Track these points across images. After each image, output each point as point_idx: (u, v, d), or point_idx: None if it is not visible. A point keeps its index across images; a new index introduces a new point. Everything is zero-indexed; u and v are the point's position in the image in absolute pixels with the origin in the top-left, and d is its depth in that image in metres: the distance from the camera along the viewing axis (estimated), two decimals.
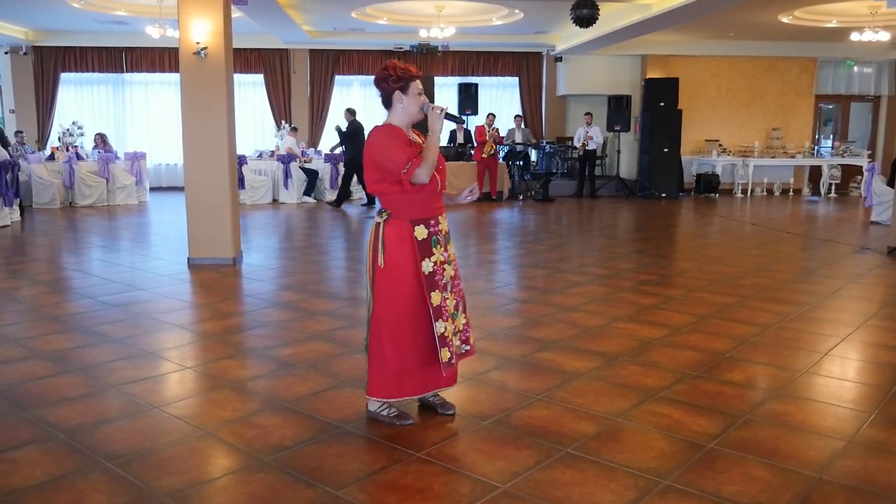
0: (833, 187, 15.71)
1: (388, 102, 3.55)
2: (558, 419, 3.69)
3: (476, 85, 15.86)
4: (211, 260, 7.64)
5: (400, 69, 3.49)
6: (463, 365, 4.59)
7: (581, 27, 10.40)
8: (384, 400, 3.60)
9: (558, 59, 16.45)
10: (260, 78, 16.29)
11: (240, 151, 14.27)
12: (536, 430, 3.56)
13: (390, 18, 13.92)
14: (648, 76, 15.74)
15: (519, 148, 15.03)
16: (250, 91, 16.44)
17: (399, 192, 3.43)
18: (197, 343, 5.06)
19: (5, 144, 11.78)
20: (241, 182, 13.59)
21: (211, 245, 7.68)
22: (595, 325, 5.45)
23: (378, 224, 3.51)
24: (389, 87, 3.50)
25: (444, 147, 14.93)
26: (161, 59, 15.75)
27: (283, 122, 15.64)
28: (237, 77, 15.83)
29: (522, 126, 15.49)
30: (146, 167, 14.60)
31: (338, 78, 16.47)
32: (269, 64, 16.17)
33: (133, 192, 13.74)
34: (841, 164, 15.80)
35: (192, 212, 7.73)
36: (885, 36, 12.74)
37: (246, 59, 15.84)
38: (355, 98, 16.91)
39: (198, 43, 7.56)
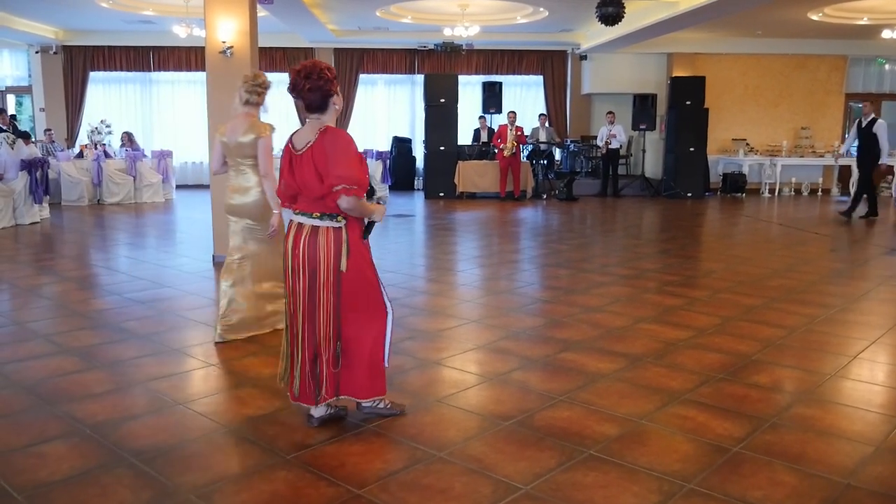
0: None
1: (324, 105, 3.37)
2: (581, 420, 3.66)
3: (500, 83, 15.81)
4: None
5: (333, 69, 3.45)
6: (484, 365, 4.60)
7: (606, 25, 10.31)
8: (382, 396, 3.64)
9: (583, 57, 16.35)
10: (284, 77, 16.22)
11: None
12: (559, 431, 3.53)
13: (415, 17, 13.93)
14: (674, 74, 15.58)
15: (543, 147, 14.96)
16: (275, 90, 16.45)
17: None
18: (220, 340, 5.09)
19: (26, 142, 11.88)
20: None
21: None
22: (619, 326, 5.41)
23: (340, 229, 3.39)
24: (333, 88, 3.39)
25: (466, 146, 14.93)
26: (188, 58, 15.91)
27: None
28: None
29: (546, 125, 15.42)
30: (172, 165, 14.76)
31: (362, 77, 16.51)
32: (294, 63, 16.19)
33: (160, 190, 13.89)
34: None
35: (218, 209, 7.78)
36: None
37: (271, 58, 15.93)
38: (379, 97, 16.96)
39: (224, 42, 7.62)
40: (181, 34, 13.08)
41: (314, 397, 3.50)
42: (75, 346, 4.84)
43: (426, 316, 5.76)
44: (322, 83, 3.33)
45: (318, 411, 3.55)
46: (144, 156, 14.21)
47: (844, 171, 15.82)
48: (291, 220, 3.51)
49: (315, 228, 3.39)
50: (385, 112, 17.03)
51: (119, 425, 3.55)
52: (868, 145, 11.31)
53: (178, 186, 15.25)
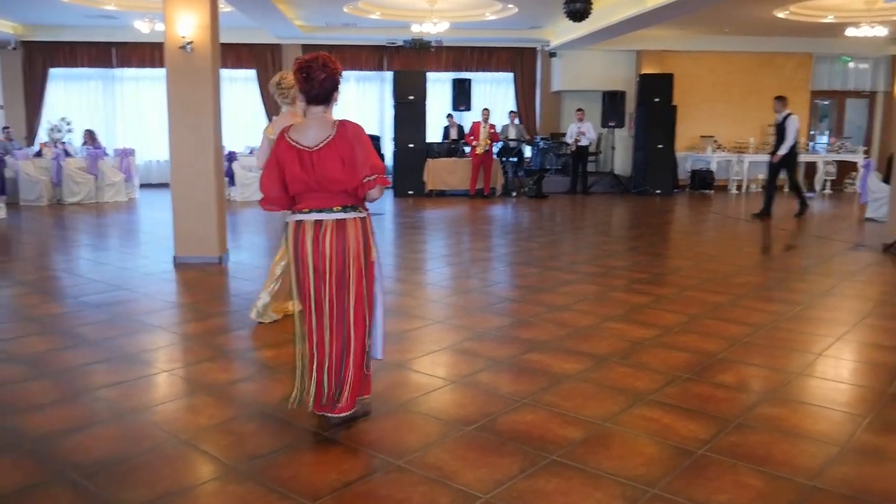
0: (828, 184, 15.62)
1: (329, 97, 3.39)
2: (544, 424, 3.58)
3: (470, 80, 15.72)
4: (197, 259, 7.52)
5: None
6: (448, 367, 4.50)
7: (574, 21, 10.27)
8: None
9: (553, 54, 16.32)
10: (252, 74, 16.14)
11: (231, 148, 14.21)
12: (522, 435, 3.45)
13: (383, 13, 13.78)
14: (643, 72, 15.61)
15: (512, 144, 14.90)
16: (242, 87, 16.30)
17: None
18: (177, 345, 4.94)
19: None
20: (231, 179, 13.47)
21: (197, 243, 7.55)
22: (585, 325, 5.34)
23: (364, 219, 3.45)
24: (340, 80, 3.41)
25: (436, 143, 14.82)
26: (151, 54, 15.55)
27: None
28: (228, 73, 15.86)
29: (516, 122, 15.36)
30: (136, 163, 14.45)
31: None
32: (261, 59, 16.02)
33: (122, 190, 13.59)
34: (836, 161, 15.71)
35: (178, 209, 7.61)
36: (881, 31, 12.62)
37: (237, 55, 15.68)
38: (350, 94, 16.78)
39: (184, 37, 7.42)
40: (143, 29, 12.82)
41: (332, 404, 3.46)
42: (23, 353, 4.64)
43: (392, 317, 5.62)
44: (335, 74, 3.36)
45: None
46: (106, 154, 13.90)
47: (810, 168, 15.99)
48: (299, 222, 3.39)
49: (341, 222, 3.36)
50: (354, 109, 16.85)
51: (64, 438, 3.39)
52: (781, 140, 11.25)
53: (141, 185, 14.96)
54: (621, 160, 16.24)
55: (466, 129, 14.96)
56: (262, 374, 4.29)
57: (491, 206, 13.01)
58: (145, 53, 15.59)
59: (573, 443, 3.38)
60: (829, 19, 13.23)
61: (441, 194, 14.30)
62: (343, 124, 3.36)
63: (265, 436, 3.41)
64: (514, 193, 14.51)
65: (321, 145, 3.32)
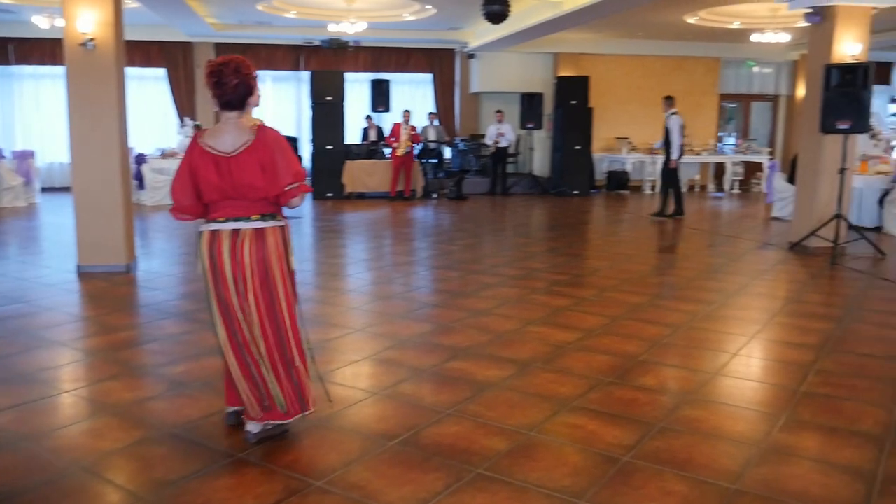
0: (736, 184, 16.20)
1: (244, 102, 3.27)
2: (469, 436, 3.50)
3: (388, 81, 15.57)
4: (102, 267, 7.12)
5: None
6: (369, 378, 4.38)
7: (493, 23, 10.29)
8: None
9: (471, 56, 16.35)
10: (162, 72, 15.53)
11: (140, 150, 13.64)
12: (446, 448, 3.36)
13: (299, 12, 13.48)
14: (560, 74, 15.83)
15: (432, 146, 14.85)
16: (152, 86, 15.68)
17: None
18: (79, 362, 4.63)
19: None
20: (140, 182, 12.92)
21: (102, 251, 7.16)
22: (508, 330, 5.31)
23: (284, 227, 3.35)
24: (255, 84, 3.29)
25: (354, 145, 14.62)
26: (52, 50, 14.68)
27: (187, 118, 14.96)
28: (137, 71, 15.24)
29: (436, 123, 15.32)
30: (35, 166, 13.67)
31: None
32: (172, 58, 15.44)
33: (21, 194, 12.82)
34: (743, 162, 16.33)
35: (82, 215, 7.20)
36: (784, 37, 13.18)
37: (146, 53, 15.06)
38: (266, 94, 16.37)
39: (84, 34, 7.02)
40: (43, 25, 12.14)
41: (299, 403, 3.40)
42: None
43: (310, 326, 5.44)
44: (248, 79, 3.23)
45: (254, 426, 3.41)
46: (3, 156, 13.09)
47: (719, 168, 16.56)
48: (214, 231, 3.24)
49: (260, 231, 3.26)
50: (271, 110, 16.46)
51: None
52: (669, 141, 11.50)
53: (43, 189, 14.14)
54: (540, 161, 16.43)
55: (386, 131, 14.82)
56: (173, 392, 4.06)
57: (412, 209, 12.92)
58: (45, 50, 14.74)
59: (498, 454, 3.31)
60: (736, 25, 13.72)
61: (361, 197, 14.11)
62: (262, 129, 3.25)
63: (175, 459, 3.21)
64: (435, 195, 14.46)
65: (239, 151, 3.20)
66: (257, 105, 3.33)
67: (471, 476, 3.10)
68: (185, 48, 15.39)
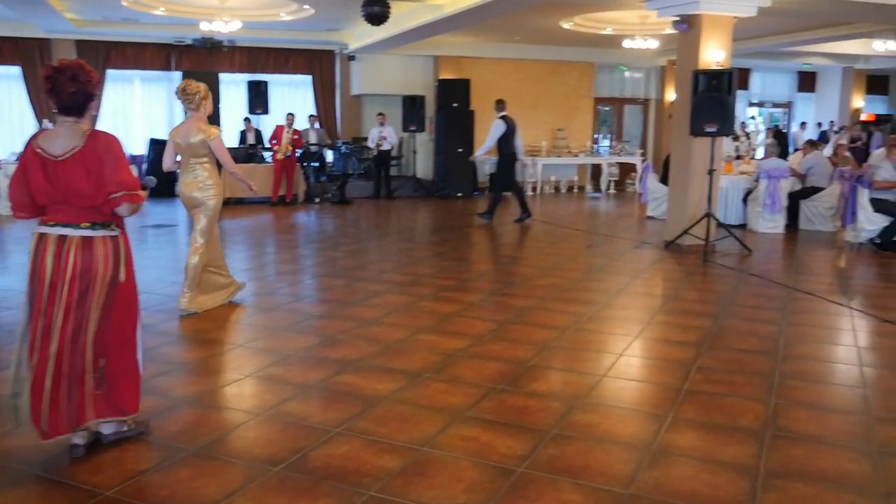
0: (612, 184, 16.79)
1: (83, 108, 3.19)
2: (360, 455, 3.34)
3: (266, 83, 15.09)
4: None
5: None
6: (251, 398, 4.14)
7: (373, 25, 10.13)
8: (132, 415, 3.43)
9: (351, 57, 16.12)
10: (17, 71, 14.38)
11: None
12: (336, 471, 3.19)
13: (168, 9, 12.79)
14: (441, 77, 15.87)
15: (314, 149, 14.51)
16: (5, 86, 14.49)
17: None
18: None
19: None
20: None
21: None
22: (397, 340, 5.17)
23: (116, 237, 3.30)
24: (96, 92, 3.22)
25: (233, 148, 14.05)
26: None
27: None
28: None
29: (317, 126, 14.99)
30: None
31: (111, 73, 14.91)
32: (28, 56, 14.28)
33: None
34: (618, 163, 16.93)
35: None
36: (654, 43, 13.77)
37: None
38: (135, 95, 15.47)
39: None
40: None
41: (72, 424, 3.17)
42: None
43: (184, 343, 5.15)
44: (87, 87, 3.18)
45: (81, 437, 3.26)
46: None
47: (596, 170, 17.10)
48: (42, 234, 3.14)
49: (88, 240, 3.18)
50: (141, 112, 15.60)
51: None
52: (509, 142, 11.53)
53: None
54: (423, 164, 16.40)
55: (265, 133, 14.35)
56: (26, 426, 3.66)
57: (294, 214, 12.55)
58: None
59: (391, 474, 3.17)
60: (609, 31, 14.20)
61: (240, 202, 13.58)
62: (94, 135, 3.20)
63: (75, 457, 3.02)
64: (318, 199, 14.14)
65: (67, 156, 3.12)
66: (97, 112, 3.14)
67: (363, 499, 2.95)
68: (43, 45, 14.29)
